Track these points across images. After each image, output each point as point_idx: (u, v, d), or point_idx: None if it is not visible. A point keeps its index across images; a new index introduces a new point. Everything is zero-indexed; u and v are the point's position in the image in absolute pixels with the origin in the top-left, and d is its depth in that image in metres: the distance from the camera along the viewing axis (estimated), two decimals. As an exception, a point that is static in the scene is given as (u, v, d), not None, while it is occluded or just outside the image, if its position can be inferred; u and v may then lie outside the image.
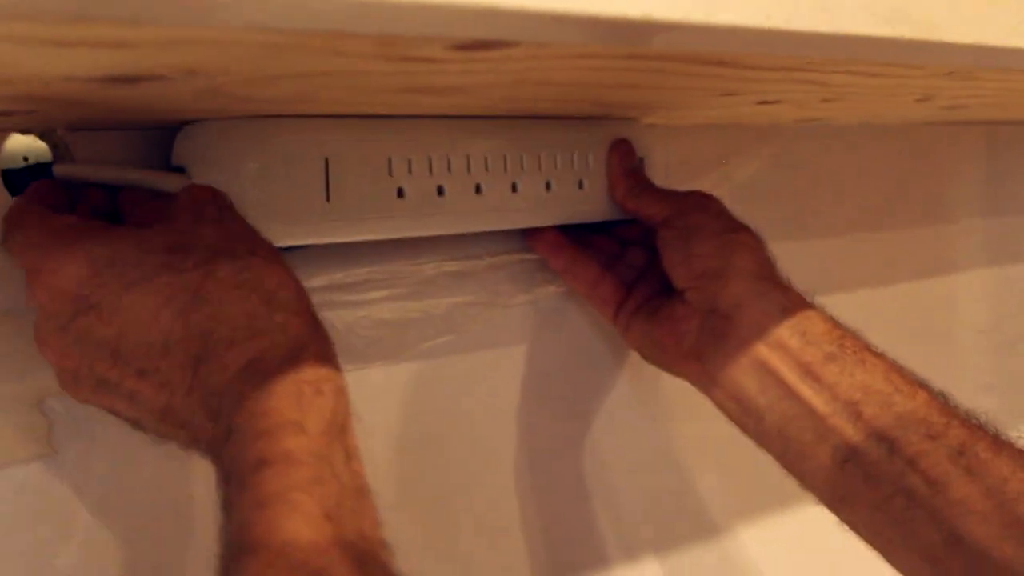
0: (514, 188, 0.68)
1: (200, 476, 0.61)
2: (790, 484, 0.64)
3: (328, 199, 0.60)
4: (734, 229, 0.67)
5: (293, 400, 0.44)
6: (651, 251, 0.71)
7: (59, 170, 0.54)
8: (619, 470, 0.81)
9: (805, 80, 0.63)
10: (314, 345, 0.47)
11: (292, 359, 0.46)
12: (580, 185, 0.72)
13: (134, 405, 0.49)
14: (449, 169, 0.65)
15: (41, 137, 0.55)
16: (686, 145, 0.83)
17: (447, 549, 0.72)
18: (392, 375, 0.69)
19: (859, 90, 0.69)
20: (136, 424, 0.51)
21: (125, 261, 0.48)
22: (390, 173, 0.62)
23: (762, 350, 0.64)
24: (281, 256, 0.51)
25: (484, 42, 0.40)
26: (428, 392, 0.71)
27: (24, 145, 0.56)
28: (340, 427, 0.45)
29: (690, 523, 0.88)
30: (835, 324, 0.65)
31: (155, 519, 0.60)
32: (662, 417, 0.84)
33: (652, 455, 0.84)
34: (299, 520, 0.40)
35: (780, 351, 0.64)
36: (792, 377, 0.63)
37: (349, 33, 0.34)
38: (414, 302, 0.69)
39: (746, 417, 0.65)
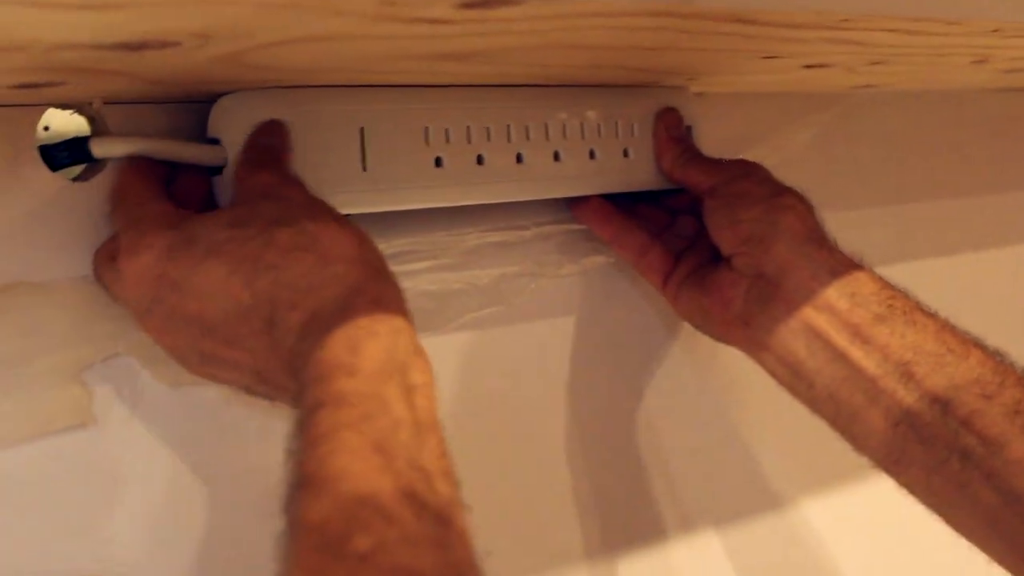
0: (556, 157, 0.68)
1: (241, 440, 0.62)
2: (851, 455, 0.63)
3: (365, 169, 0.60)
4: (779, 193, 0.67)
5: (344, 345, 0.45)
6: (700, 220, 0.71)
7: (95, 144, 0.55)
8: (673, 440, 0.81)
9: (844, 40, 0.62)
10: (370, 289, 0.48)
11: (346, 308, 0.47)
12: (625, 154, 0.71)
13: (237, 372, 0.51)
14: (489, 138, 0.65)
15: (78, 111, 0.56)
16: (736, 114, 0.82)
17: (495, 519, 0.72)
18: (437, 347, 0.69)
19: (905, 51, 0.68)
20: (248, 391, 0.53)
21: (194, 239, 0.50)
22: (427, 142, 0.62)
23: (810, 313, 0.63)
24: (339, 215, 0.52)
25: (487, -1, 0.40)
26: (474, 363, 0.71)
27: (62, 120, 0.56)
28: (398, 365, 0.46)
29: (748, 494, 0.87)
30: (884, 284, 0.64)
31: (196, 485, 0.61)
32: (716, 388, 0.83)
33: (707, 426, 0.83)
34: (346, 455, 0.41)
35: (828, 314, 0.63)
36: (841, 340, 0.62)
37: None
38: (458, 273, 0.69)
39: (797, 382, 0.65)
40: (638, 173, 0.72)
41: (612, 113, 0.70)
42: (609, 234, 0.73)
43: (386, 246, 0.66)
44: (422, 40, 0.47)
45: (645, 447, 0.80)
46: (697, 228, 0.72)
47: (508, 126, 0.66)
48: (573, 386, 0.76)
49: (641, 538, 0.80)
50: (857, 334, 0.62)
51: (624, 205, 0.73)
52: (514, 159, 0.66)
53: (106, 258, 0.55)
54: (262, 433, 0.62)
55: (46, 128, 0.56)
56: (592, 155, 0.70)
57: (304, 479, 0.41)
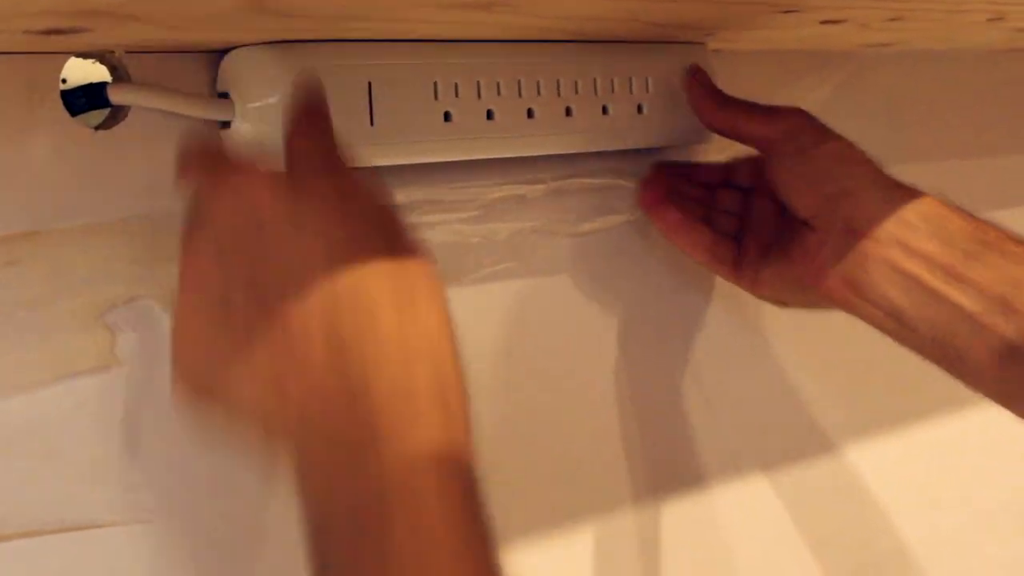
0: (568, 112, 0.68)
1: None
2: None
3: (372, 123, 0.60)
4: (842, 141, 0.66)
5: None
6: (742, 191, 0.71)
7: (113, 91, 0.55)
8: (699, 391, 0.81)
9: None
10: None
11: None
12: (640, 110, 0.71)
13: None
14: (499, 93, 0.65)
15: (100, 60, 0.57)
16: (752, 71, 0.82)
17: (527, 470, 0.73)
18: (453, 297, 0.69)
19: (923, 7, 0.68)
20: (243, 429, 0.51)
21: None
22: (436, 97, 0.63)
23: (903, 260, 0.63)
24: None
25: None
26: (491, 316, 0.71)
27: (84, 68, 0.57)
28: None
29: (795, 442, 0.87)
30: (971, 219, 0.64)
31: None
32: (745, 346, 0.84)
33: (744, 379, 0.84)
34: None
35: (920, 258, 0.63)
36: (937, 281, 0.62)
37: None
38: (475, 226, 0.70)
39: (901, 329, 0.64)
40: (652, 130, 0.72)
41: (627, 69, 0.70)
42: (682, 241, 0.72)
43: (404, 196, 0.66)
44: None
45: (679, 393, 0.81)
46: (741, 199, 0.72)
47: (519, 81, 0.66)
48: (592, 341, 0.76)
49: (686, 483, 0.81)
50: (951, 273, 0.62)
51: (668, 185, 0.73)
52: (525, 115, 0.66)
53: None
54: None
55: (64, 80, 0.56)
56: (605, 111, 0.70)
57: None
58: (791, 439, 0.88)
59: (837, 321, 0.68)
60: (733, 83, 0.73)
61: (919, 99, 0.96)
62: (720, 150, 0.76)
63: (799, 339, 0.86)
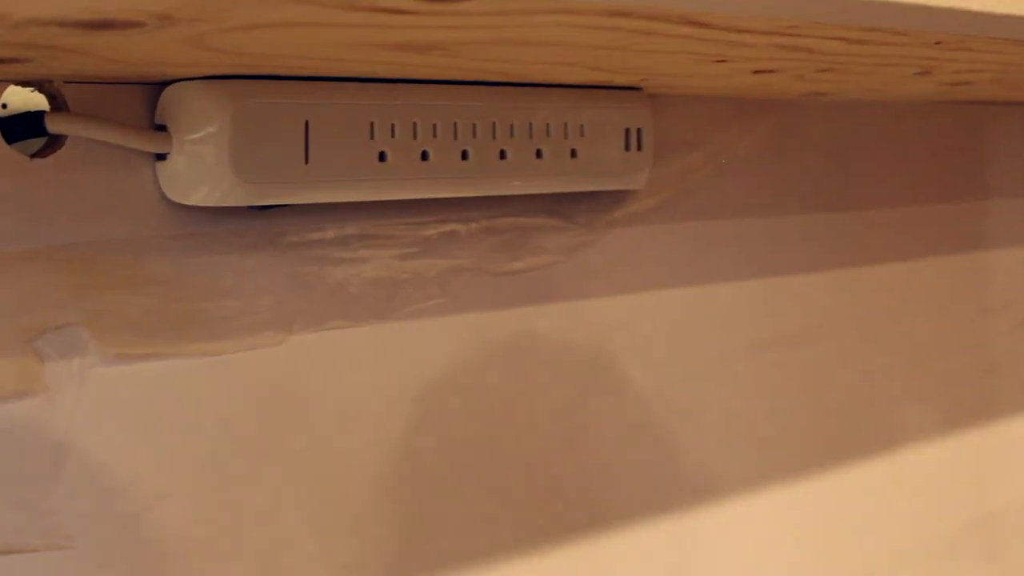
0: (503, 155, 0.69)
1: (186, 416, 0.62)
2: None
3: (307, 161, 0.61)
4: None
5: None
6: None
7: (51, 121, 0.56)
8: (611, 429, 0.82)
9: (793, 47, 0.63)
10: None
11: None
12: (573, 154, 0.73)
13: None
14: (435, 135, 0.66)
15: (39, 88, 0.57)
16: (688, 116, 0.83)
17: (441, 509, 0.74)
18: (382, 334, 0.70)
19: (852, 60, 0.70)
20: None
21: None
22: (372, 137, 0.64)
23: None
24: None
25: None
26: (418, 353, 0.72)
27: (23, 96, 0.57)
28: None
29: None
30: None
31: (143, 458, 0.61)
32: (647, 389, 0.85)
33: (638, 415, 0.85)
34: None
35: None
36: None
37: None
38: (406, 263, 0.71)
39: None
40: (586, 174, 0.74)
41: (563, 113, 0.72)
42: None
43: (337, 230, 0.67)
44: (383, 29, 0.48)
45: (597, 430, 0.81)
46: None
47: (455, 124, 0.67)
48: (520, 379, 0.77)
49: (605, 520, 0.82)
50: None
51: None
52: (459, 156, 0.67)
53: None
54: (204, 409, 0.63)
55: (4, 106, 0.57)
56: (539, 154, 0.71)
57: None
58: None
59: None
60: (669, 128, 0.74)
61: (852, 148, 0.98)
62: (651, 193, 0.78)
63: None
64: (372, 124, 0.63)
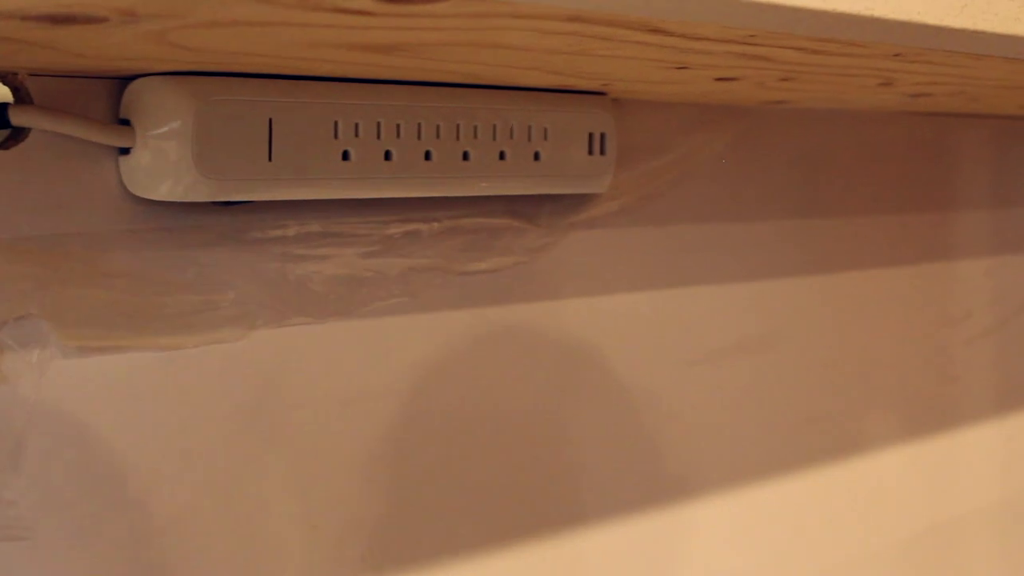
0: (466, 156, 0.70)
1: (145, 408, 0.63)
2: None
3: (271, 158, 0.62)
4: None
5: None
6: None
7: (14, 113, 0.56)
8: (576, 431, 0.83)
9: (752, 55, 0.64)
10: None
11: None
12: (537, 157, 0.73)
13: None
14: (399, 135, 0.67)
15: (3, 81, 0.57)
16: (651, 122, 0.84)
17: (403, 505, 0.74)
18: (343, 331, 0.71)
19: (812, 70, 0.71)
20: None
21: None
22: (336, 136, 0.64)
23: None
24: None
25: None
26: (378, 351, 0.73)
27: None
28: None
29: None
30: None
31: (100, 450, 0.62)
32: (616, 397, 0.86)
33: (612, 417, 0.86)
34: None
35: None
36: None
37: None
38: (368, 261, 0.71)
39: None
40: (549, 177, 0.74)
41: (527, 116, 0.72)
42: None
43: (299, 228, 0.68)
44: (345, 30, 0.49)
45: (547, 437, 0.82)
46: None
47: (419, 124, 0.68)
48: (481, 378, 0.78)
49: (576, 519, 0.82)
50: None
51: None
52: (423, 157, 0.68)
53: None
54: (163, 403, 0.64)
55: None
56: (502, 156, 0.72)
57: None
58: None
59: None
60: (633, 132, 0.75)
61: (816, 156, 0.99)
62: (614, 197, 0.79)
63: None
64: (336, 123, 0.64)
